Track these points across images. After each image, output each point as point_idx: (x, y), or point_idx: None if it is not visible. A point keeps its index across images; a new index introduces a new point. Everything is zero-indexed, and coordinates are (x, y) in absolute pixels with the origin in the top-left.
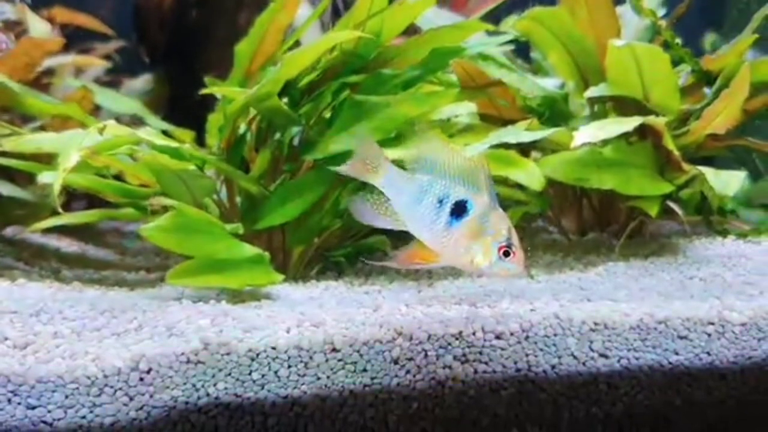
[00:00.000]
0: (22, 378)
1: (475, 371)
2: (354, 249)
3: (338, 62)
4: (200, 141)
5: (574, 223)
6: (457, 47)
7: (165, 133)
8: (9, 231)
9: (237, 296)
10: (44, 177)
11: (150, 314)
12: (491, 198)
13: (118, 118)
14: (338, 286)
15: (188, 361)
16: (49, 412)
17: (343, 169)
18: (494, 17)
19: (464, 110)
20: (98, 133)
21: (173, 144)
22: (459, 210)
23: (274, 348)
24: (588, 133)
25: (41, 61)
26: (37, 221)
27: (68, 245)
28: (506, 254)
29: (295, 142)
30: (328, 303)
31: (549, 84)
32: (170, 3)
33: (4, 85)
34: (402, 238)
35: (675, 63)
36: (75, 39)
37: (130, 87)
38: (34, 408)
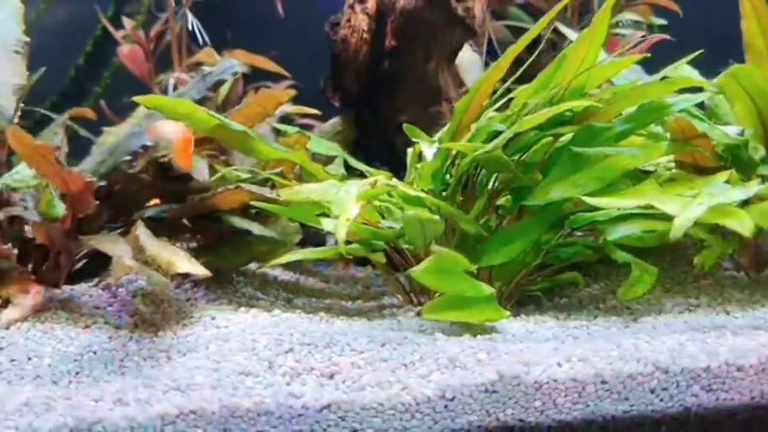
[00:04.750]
0: (350, 405)
1: (717, 399)
2: (550, 284)
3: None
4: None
5: (751, 259)
6: (665, 104)
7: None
8: (252, 266)
9: (470, 329)
10: (327, 224)
11: (424, 347)
12: None
13: (315, 157)
14: (547, 320)
15: (486, 391)
16: None
17: None
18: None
19: (664, 159)
20: (370, 186)
21: (421, 194)
22: None
23: (555, 380)
24: None
25: (273, 112)
26: (275, 257)
27: (281, 273)
28: None
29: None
30: (543, 336)
31: (732, 131)
32: (366, 54)
33: (244, 132)
34: (595, 273)
35: None
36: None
37: (322, 129)
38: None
